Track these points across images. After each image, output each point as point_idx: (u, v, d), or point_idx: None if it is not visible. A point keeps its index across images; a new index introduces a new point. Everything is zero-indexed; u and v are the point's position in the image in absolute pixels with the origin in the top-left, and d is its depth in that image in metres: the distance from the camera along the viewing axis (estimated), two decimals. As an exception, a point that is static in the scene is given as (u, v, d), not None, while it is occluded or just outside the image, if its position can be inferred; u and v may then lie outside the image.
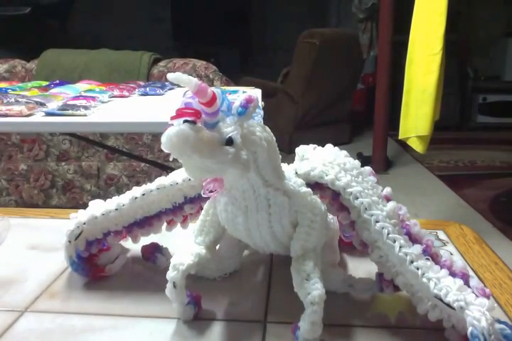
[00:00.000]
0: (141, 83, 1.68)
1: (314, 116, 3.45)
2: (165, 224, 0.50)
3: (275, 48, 4.81)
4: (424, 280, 0.38)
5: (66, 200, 2.43)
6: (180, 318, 0.43)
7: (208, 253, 0.43)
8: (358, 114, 3.91)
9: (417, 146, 1.78)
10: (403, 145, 1.79)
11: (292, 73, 3.38)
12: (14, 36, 3.73)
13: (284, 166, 0.42)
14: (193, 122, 0.31)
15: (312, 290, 0.38)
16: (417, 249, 0.39)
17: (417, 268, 0.38)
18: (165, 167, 2.13)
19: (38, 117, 1.21)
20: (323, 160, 0.43)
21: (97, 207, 0.48)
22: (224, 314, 0.44)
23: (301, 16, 4.87)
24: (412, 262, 0.38)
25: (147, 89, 1.55)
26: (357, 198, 0.41)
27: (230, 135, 0.33)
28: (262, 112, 0.37)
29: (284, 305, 0.44)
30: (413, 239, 0.40)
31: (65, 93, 1.45)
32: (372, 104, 3.05)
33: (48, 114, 1.22)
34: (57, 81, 1.67)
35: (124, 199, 0.48)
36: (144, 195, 0.47)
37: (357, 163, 0.44)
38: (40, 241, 0.59)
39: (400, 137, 1.84)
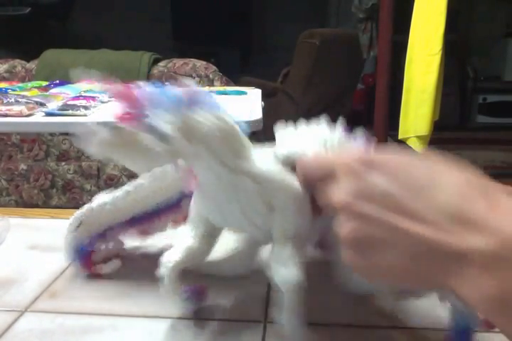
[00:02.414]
0: (141, 83, 1.68)
1: (314, 116, 3.44)
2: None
3: (275, 48, 4.81)
4: None
5: (66, 200, 2.43)
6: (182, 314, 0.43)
7: (202, 245, 0.42)
8: (358, 114, 3.91)
9: (417, 146, 1.79)
10: (403, 145, 1.79)
11: (292, 73, 3.38)
12: (14, 36, 3.73)
13: (264, 150, 0.40)
14: (119, 127, 0.32)
15: (288, 276, 0.36)
16: None
17: None
18: (165, 167, 2.13)
19: (38, 117, 1.21)
20: (303, 138, 0.41)
21: (95, 200, 0.49)
22: (224, 314, 0.44)
23: (301, 16, 4.86)
24: None
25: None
26: None
27: (162, 130, 0.32)
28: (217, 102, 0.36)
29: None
30: None
31: (65, 93, 1.45)
32: (372, 104, 3.05)
33: (48, 114, 1.22)
34: (57, 81, 1.67)
35: (118, 192, 0.48)
36: (136, 188, 0.48)
37: (339, 135, 0.42)
38: (40, 241, 0.59)
39: (399, 137, 1.84)
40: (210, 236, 0.44)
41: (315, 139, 0.41)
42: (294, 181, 0.38)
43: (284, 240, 0.38)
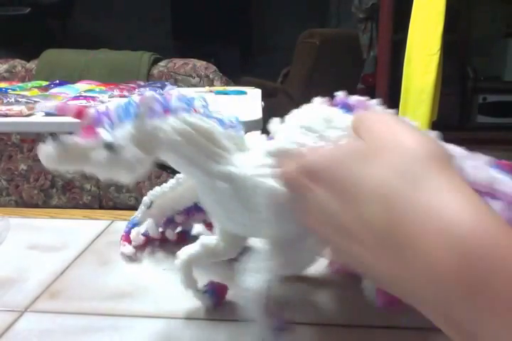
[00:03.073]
0: (141, 83, 1.69)
1: (314, 116, 3.44)
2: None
3: (275, 48, 4.81)
4: None
5: (66, 200, 2.43)
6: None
7: (222, 244, 0.42)
8: (358, 114, 3.90)
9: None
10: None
11: (292, 73, 3.38)
12: (14, 36, 3.72)
13: (256, 149, 0.37)
14: (63, 143, 0.32)
15: (252, 287, 0.36)
16: None
17: None
18: (165, 167, 2.13)
19: (38, 117, 1.21)
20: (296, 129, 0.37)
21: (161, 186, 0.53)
22: (224, 314, 0.44)
23: (301, 16, 4.86)
24: None
25: (147, 89, 1.55)
26: None
27: (106, 140, 0.33)
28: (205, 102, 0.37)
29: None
30: None
31: (64, 93, 1.45)
32: (372, 104, 3.04)
33: (48, 113, 1.22)
34: (57, 81, 1.67)
35: (175, 179, 0.51)
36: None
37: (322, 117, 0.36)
38: (40, 241, 0.59)
39: (398, 137, 1.84)
40: (230, 236, 0.42)
41: (308, 127, 0.36)
42: (263, 179, 0.35)
43: (264, 242, 0.37)
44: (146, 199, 0.53)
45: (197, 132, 0.35)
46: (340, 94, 0.37)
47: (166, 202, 0.52)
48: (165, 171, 2.22)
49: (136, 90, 1.56)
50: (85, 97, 1.33)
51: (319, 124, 0.35)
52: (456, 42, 3.39)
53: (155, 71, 2.33)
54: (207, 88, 1.74)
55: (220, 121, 0.37)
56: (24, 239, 0.59)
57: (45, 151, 0.32)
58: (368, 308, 0.45)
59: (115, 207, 2.38)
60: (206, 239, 0.43)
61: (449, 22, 1.70)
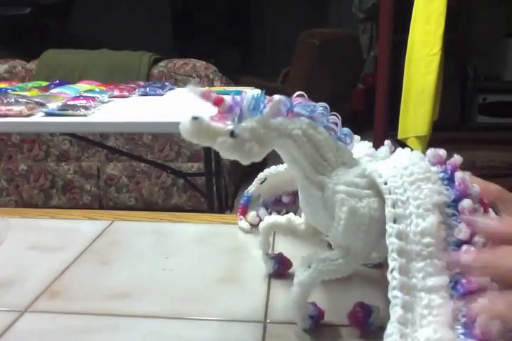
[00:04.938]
0: (141, 83, 1.69)
1: (314, 116, 3.44)
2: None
3: (275, 48, 4.81)
4: None
5: (66, 200, 2.44)
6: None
7: (303, 225, 0.47)
8: (358, 114, 3.90)
9: (416, 147, 1.79)
10: (403, 145, 1.78)
11: (292, 73, 3.38)
12: (14, 36, 3.73)
13: (357, 166, 0.41)
14: (197, 118, 0.37)
15: (300, 276, 0.40)
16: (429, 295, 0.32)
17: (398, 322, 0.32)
18: (165, 167, 2.13)
19: (38, 117, 1.22)
20: (395, 164, 0.39)
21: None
22: (224, 314, 0.44)
23: (301, 16, 4.86)
24: (395, 305, 0.32)
25: (147, 89, 1.55)
26: (393, 207, 0.36)
27: (231, 128, 0.37)
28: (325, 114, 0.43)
29: (284, 305, 0.44)
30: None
31: (65, 93, 1.45)
32: (373, 104, 3.04)
33: (48, 114, 1.22)
34: (57, 81, 1.67)
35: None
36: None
37: (425, 166, 0.39)
38: (40, 241, 0.59)
39: (399, 137, 1.84)
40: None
41: (404, 164, 0.39)
42: (361, 198, 0.39)
43: (333, 246, 0.41)
44: (261, 174, 0.58)
45: (308, 140, 0.40)
46: (456, 158, 0.40)
47: (278, 182, 0.57)
48: (165, 171, 2.22)
49: (136, 90, 1.56)
50: (85, 97, 1.33)
51: (408, 170, 0.38)
52: (456, 42, 3.39)
53: (155, 71, 2.33)
54: (207, 88, 1.74)
55: (334, 133, 0.42)
56: (24, 239, 0.59)
57: (184, 125, 0.37)
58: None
59: (115, 207, 2.38)
60: (294, 216, 0.48)
61: (449, 22, 1.70)
